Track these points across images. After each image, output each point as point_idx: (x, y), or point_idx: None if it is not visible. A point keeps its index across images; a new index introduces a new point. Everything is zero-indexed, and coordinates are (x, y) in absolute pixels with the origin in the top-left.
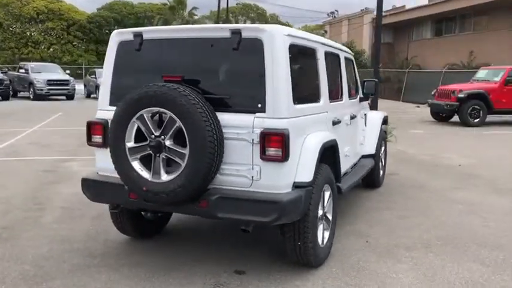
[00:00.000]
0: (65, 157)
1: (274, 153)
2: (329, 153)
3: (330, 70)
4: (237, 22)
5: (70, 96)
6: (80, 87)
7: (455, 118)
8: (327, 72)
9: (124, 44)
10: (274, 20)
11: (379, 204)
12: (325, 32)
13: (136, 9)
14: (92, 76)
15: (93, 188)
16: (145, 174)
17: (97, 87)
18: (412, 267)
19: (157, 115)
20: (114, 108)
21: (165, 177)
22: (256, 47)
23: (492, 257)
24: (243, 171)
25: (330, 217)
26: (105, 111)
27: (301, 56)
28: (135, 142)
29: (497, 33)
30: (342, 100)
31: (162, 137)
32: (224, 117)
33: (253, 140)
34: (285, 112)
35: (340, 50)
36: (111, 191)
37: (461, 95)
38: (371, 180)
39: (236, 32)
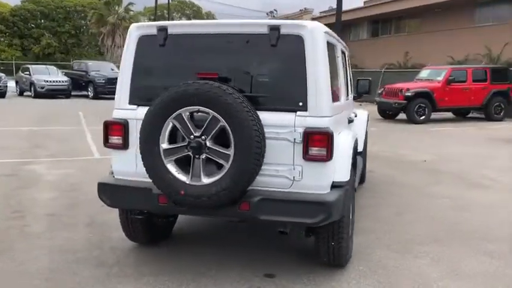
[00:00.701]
0: (21, 160)
1: (318, 152)
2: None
3: (343, 67)
4: (172, 19)
5: (1, 94)
6: (11, 84)
7: (401, 116)
8: (342, 69)
9: (145, 39)
10: (211, 18)
11: (370, 200)
12: None
13: (66, 3)
14: (26, 73)
15: (113, 193)
16: (182, 177)
17: (32, 84)
18: (432, 262)
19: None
20: (134, 107)
21: (206, 179)
22: (296, 43)
23: (498, 250)
24: (283, 171)
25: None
26: (124, 110)
27: (329, 53)
28: (169, 143)
29: (431, 35)
30: (348, 98)
31: (203, 137)
32: (263, 116)
33: (295, 139)
34: (327, 110)
35: (344, 46)
36: (136, 196)
37: (408, 94)
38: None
39: (275, 28)
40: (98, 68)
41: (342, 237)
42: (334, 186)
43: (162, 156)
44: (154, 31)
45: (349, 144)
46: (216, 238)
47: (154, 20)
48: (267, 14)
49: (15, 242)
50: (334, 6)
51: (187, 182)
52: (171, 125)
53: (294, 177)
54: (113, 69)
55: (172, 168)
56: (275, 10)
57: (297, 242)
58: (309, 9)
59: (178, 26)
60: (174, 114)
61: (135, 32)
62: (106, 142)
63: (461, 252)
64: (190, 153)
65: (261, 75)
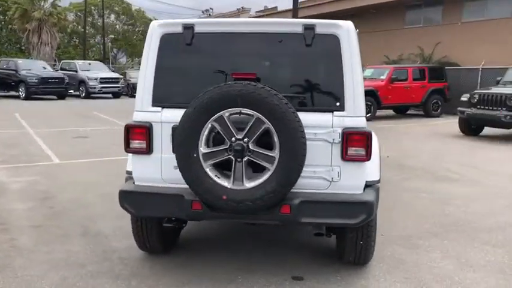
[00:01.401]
0: None
1: (357, 153)
2: None
3: None
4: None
5: None
6: None
7: None
8: None
9: (169, 37)
10: (141, 14)
11: None
12: None
13: None
14: None
15: (139, 201)
16: (223, 181)
17: None
18: (443, 255)
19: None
20: (158, 109)
21: (248, 183)
22: (332, 43)
23: (494, 239)
24: (321, 172)
25: None
26: (147, 112)
27: None
28: (207, 146)
29: (368, 35)
30: None
31: (245, 139)
32: (301, 117)
33: (333, 140)
34: (363, 110)
35: None
36: (165, 203)
37: None
38: None
39: (310, 28)
40: (28, 67)
41: (371, 236)
42: (367, 185)
43: (202, 161)
44: (179, 29)
45: (376, 143)
46: (228, 243)
47: (84, 16)
48: (203, 12)
49: (10, 257)
50: (269, 6)
51: (229, 187)
52: (209, 127)
53: (332, 178)
54: (45, 68)
55: (211, 172)
56: (211, 9)
57: (314, 242)
58: (246, 8)
59: (205, 24)
60: (215, 116)
61: (157, 29)
62: (127, 147)
63: (463, 244)
64: (231, 156)
65: (296, 75)
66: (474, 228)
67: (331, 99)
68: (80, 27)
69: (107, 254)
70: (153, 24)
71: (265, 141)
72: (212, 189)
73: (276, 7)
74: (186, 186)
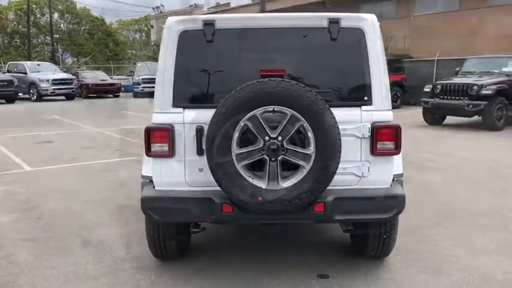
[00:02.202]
0: None
1: (387, 147)
2: None
3: None
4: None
5: None
6: None
7: None
8: None
9: (188, 34)
10: (86, 13)
11: None
12: (152, 26)
13: None
14: None
15: (164, 207)
16: (258, 182)
17: None
18: (453, 243)
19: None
20: (179, 110)
21: (284, 183)
22: (357, 37)
23: (493, 223)
24: (351, 168)
25: None
26: (168, 114)
27: None
28: (239, 147)
29: None
30: None
31: (279, 138)
32: None
33: (363, 134)
34: (390, 103)
35: None
36: (193, 207)
37: None
38: None
39: (335, 21)
40: None
41: (394, 229)
42: (393, 179)
43: (235, 162)
44: (199, 26)
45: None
46: (243, 244)
47: (27, 14)
48: (153, 9)
49: (12, 275)
50: (222, 2)
51: (264, 187)
52: (242, 127)
53: (362, 173)
54: None
55: (245, 173)
56: (162, 5)
57: (330, 238)
58: (199, 4)
59: (226, 20)
60: (248, 115)
61: (175, 26)
62: (148, 151)
63: (467, 231)
64: (265, 156)
65: (321, 70)
66: (471, 214)
67: (358, 93)
68: (21, 26)
69: (118, 264)
70: (170, 21)
71: (297, 138)
72: (247, 191)
73: (228, 3)
74: (213, 188)
